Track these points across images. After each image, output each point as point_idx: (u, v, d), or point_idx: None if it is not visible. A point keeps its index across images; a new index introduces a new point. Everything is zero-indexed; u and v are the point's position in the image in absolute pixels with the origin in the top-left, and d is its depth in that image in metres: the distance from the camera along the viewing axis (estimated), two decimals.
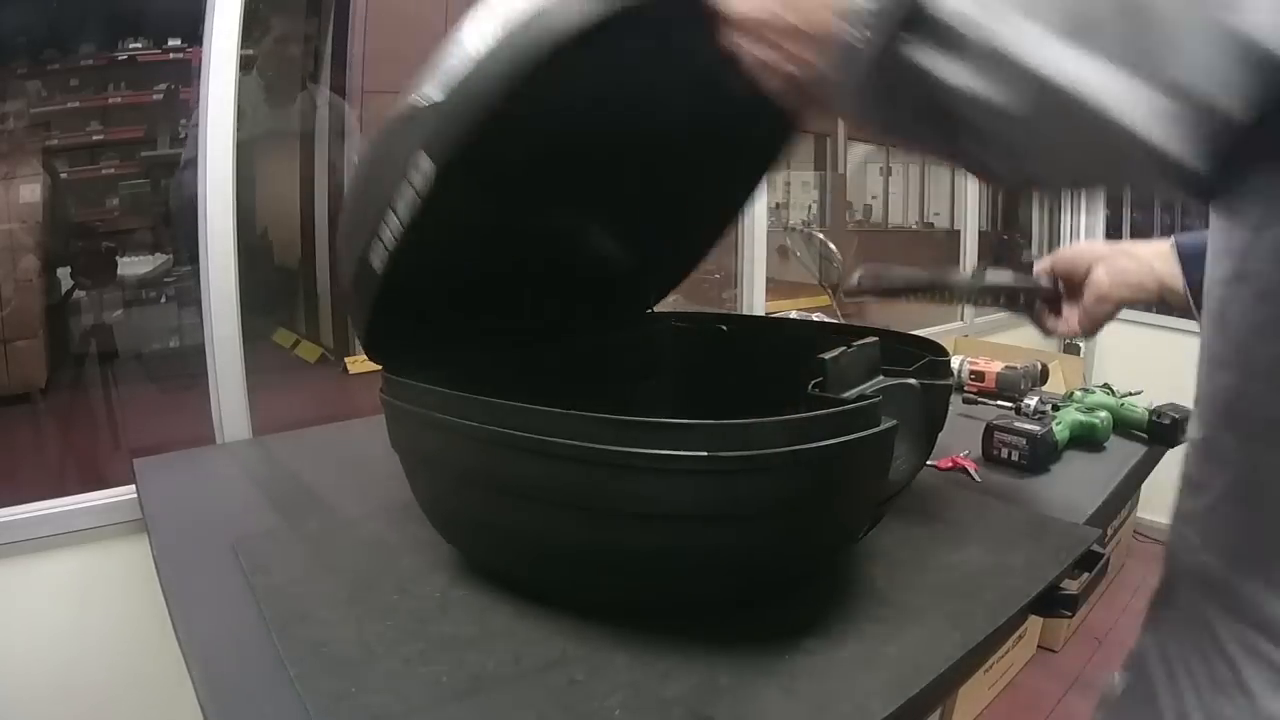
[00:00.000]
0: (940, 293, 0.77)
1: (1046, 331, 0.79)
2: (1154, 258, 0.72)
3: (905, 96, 0.33)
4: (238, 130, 1.01)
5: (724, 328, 0.88)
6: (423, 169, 0.49)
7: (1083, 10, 0.29)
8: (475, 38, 0.47)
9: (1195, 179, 0.28)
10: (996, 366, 1.20)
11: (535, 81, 0.44)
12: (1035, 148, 0.32)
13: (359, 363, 1.65)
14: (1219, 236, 0.40)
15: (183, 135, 1.71)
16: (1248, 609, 0.37)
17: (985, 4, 0.30)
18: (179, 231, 1.63)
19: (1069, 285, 0.76)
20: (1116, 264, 0.73)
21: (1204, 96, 0.26)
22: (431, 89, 0.48)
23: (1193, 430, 0.44)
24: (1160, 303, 0.73)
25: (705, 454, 0.46)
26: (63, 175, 1.72)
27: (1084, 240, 0.80)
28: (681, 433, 0.46)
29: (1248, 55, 0.25)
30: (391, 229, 0.52)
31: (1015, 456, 0.89)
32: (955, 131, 0.33)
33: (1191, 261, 0.66)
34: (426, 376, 0.58)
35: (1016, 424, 0.91)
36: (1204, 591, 0.40)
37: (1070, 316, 0.75)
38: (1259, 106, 0.26)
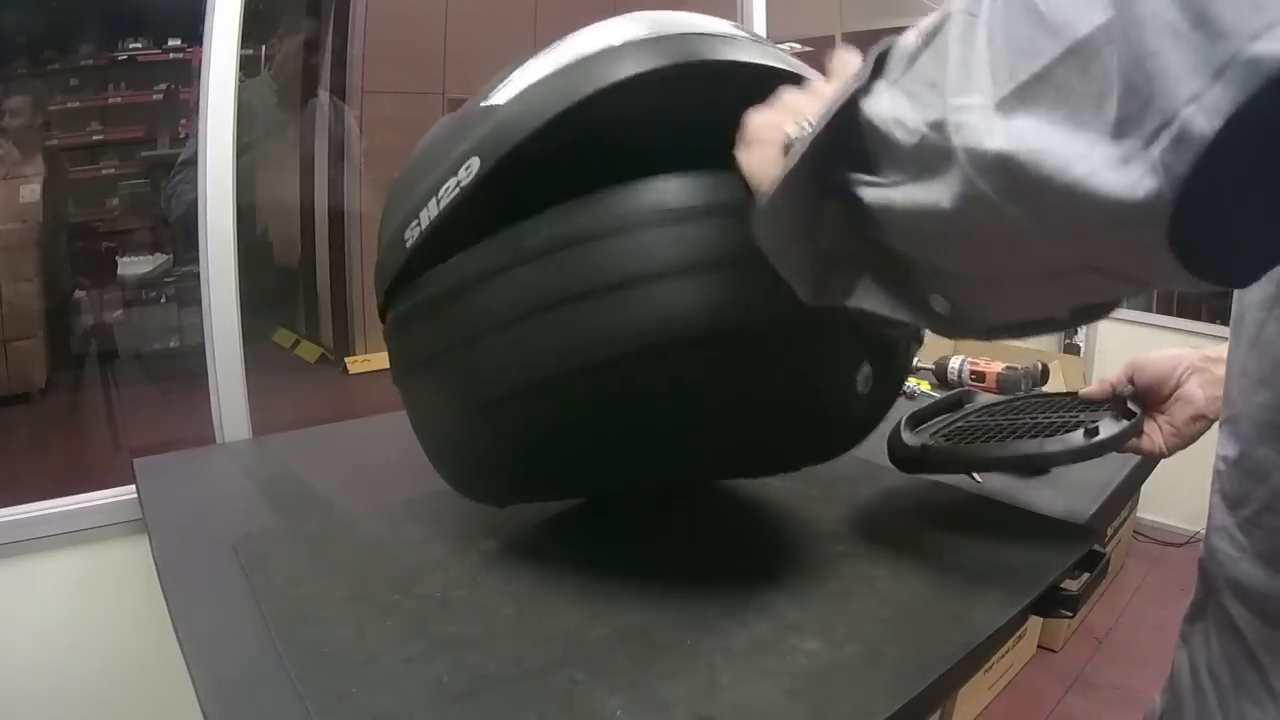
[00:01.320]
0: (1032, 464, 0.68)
1: (1121, 451, 0.68)
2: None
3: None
4: (250, 130, 1.01)
5: None
6: (471, 167, 0.52)
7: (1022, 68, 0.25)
8: (550, 62, 0.52)
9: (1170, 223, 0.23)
10: (997, 367, 1.20)
11: (582, 115, 0.49)
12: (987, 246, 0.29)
13: (359, 363, 1.65)
14: None
15: (183, 135, 1.71)
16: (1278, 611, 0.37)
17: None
18: (179, 231, 1.63)
19: (1153, 398, 0.68)
20: (1212, 375, 0.64)
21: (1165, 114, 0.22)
22: (502, 96, 0.53)
23: (1227, 449, 0.44)
24: None
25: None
26: (61, 175, 1.72)
27: (1165, 349, 0.69)
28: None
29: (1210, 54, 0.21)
30: (430, 212, 0.55)
31: None
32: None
33: None
34: None
35: None
36: (1238, 601, 0.40)
37: (1156, 435, 0.67)
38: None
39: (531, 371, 0.53)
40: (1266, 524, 0.38)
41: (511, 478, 0.63)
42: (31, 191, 1.56)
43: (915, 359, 1.34)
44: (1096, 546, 0.67)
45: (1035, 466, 0.71)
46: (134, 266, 1.74)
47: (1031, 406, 0.80)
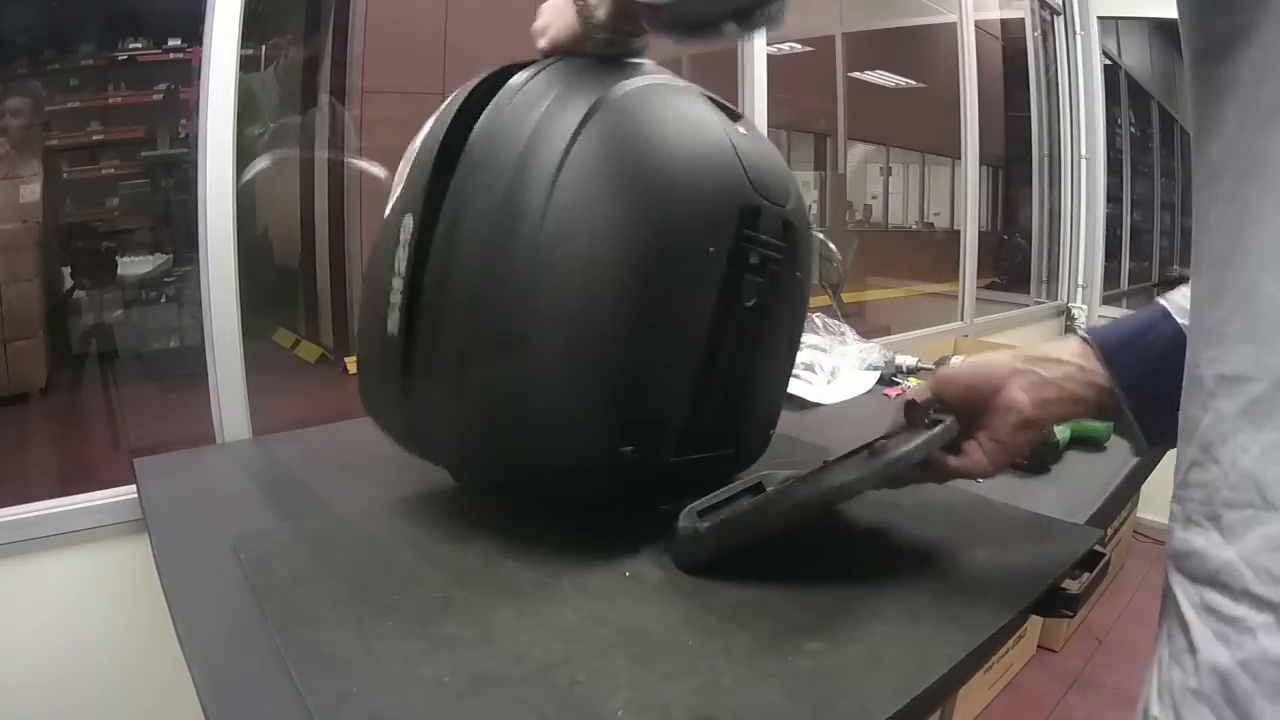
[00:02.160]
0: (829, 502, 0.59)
1: (943, 479, 0.62)
2: (1078, 359, 0.57)
3: None
4: (251, 120, 1.01)
5: None
6: (407, 225, 0.64)
7: None
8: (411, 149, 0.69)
9: None
10: None
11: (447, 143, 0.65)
12: None
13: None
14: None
15: (183, 135, 1.71)
16: (1202, 566, 0.36)
17: None
18: (179, 231, 1.63)
19: (969, 412, 0.60)
20: (1038, 377, 0.57)
21: None
22: (399, 187, 0.68)
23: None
24: (1096, 414, 0.58)
25: None
26: (62, 175, 1.72)
27: (978, 356, 0.63)
28: None
29: None
30: (396, 292, 0.64)
31: None
32: None
33: (1115, 358, 0.56)
34: None
35: None
36: (1177, 569, 0.39)
37: (976, 453, 0.59)
38: None
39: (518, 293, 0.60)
40: (1193, 480, 0.38)
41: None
42: (31, 192, 1.56)
43: (916, 359, 1.34)
44: (1097, 546, 0.67)
45: (826, 508, 0.61)
46: (134, 266, 1.74)
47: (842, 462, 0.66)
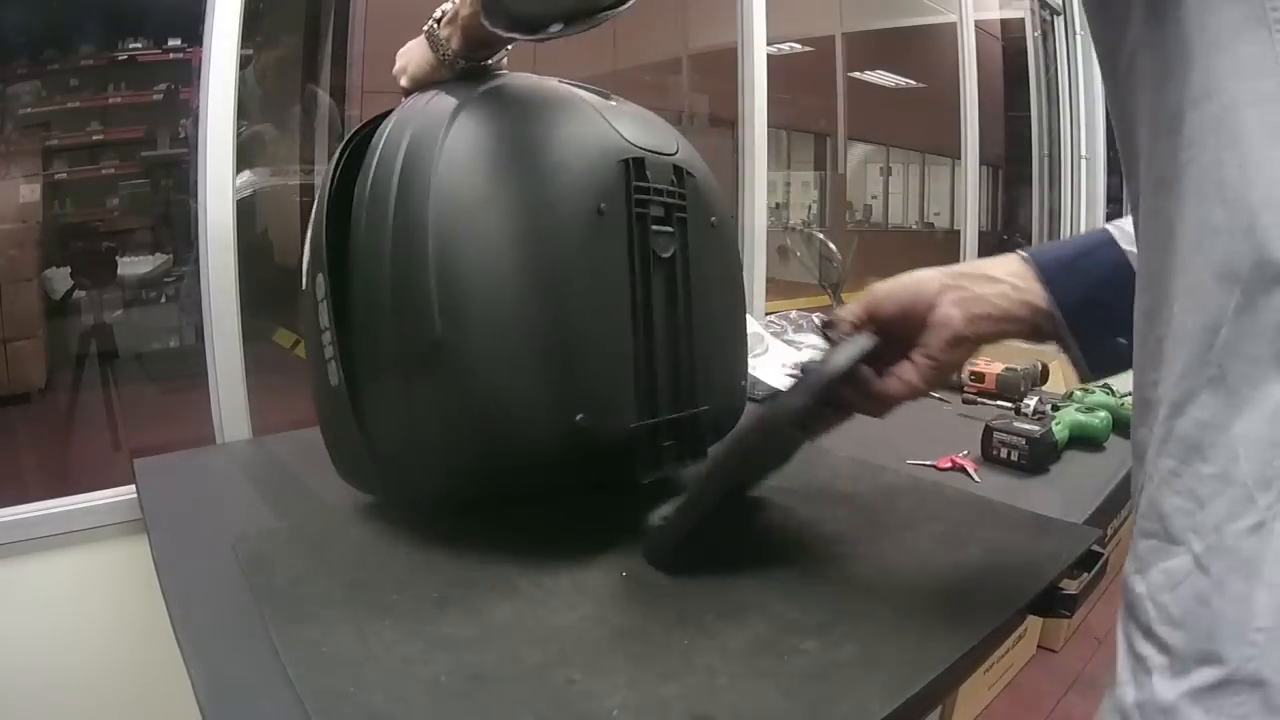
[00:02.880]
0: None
1: (876, 408, 0.58)
2: (1014, 277, 0.55)
3: None
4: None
5: None
6: (319, 284, 0.67)
7: None
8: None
9: None
10: (997, 368, 1.20)
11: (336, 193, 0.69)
12: None
13: None
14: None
15: (183, 135, 1.70)
16: (1139, 609, 0.34)
17: None
18: (179, 231, 1.63)
19: (904, 331, 0.57)
20: (969, 292, 0.55)
21: None
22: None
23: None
24: (1032, 336, 0.55)
25: None
26: (62, 175, 1.72)
27: (906, 274, 0.58)
28: None
29: None
30: (330, 348, 0.67)
31: (1014, 457, 0.89)
32: None
33: (1054, 278, 0.54)
34: None
35: (1015, 424, 0.91)
36: (1124, 608, 0.37)
37: (908, 372, 0.56)
38: None
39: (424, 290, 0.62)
40: (1140, 507, 0.36)
41: None
42: (31, 191, 1.56)
43: None
44: (1096, 546, 0.67)
45: (774, 456, 0.61)
46: (134, 266, 1.74)
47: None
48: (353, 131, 0.71)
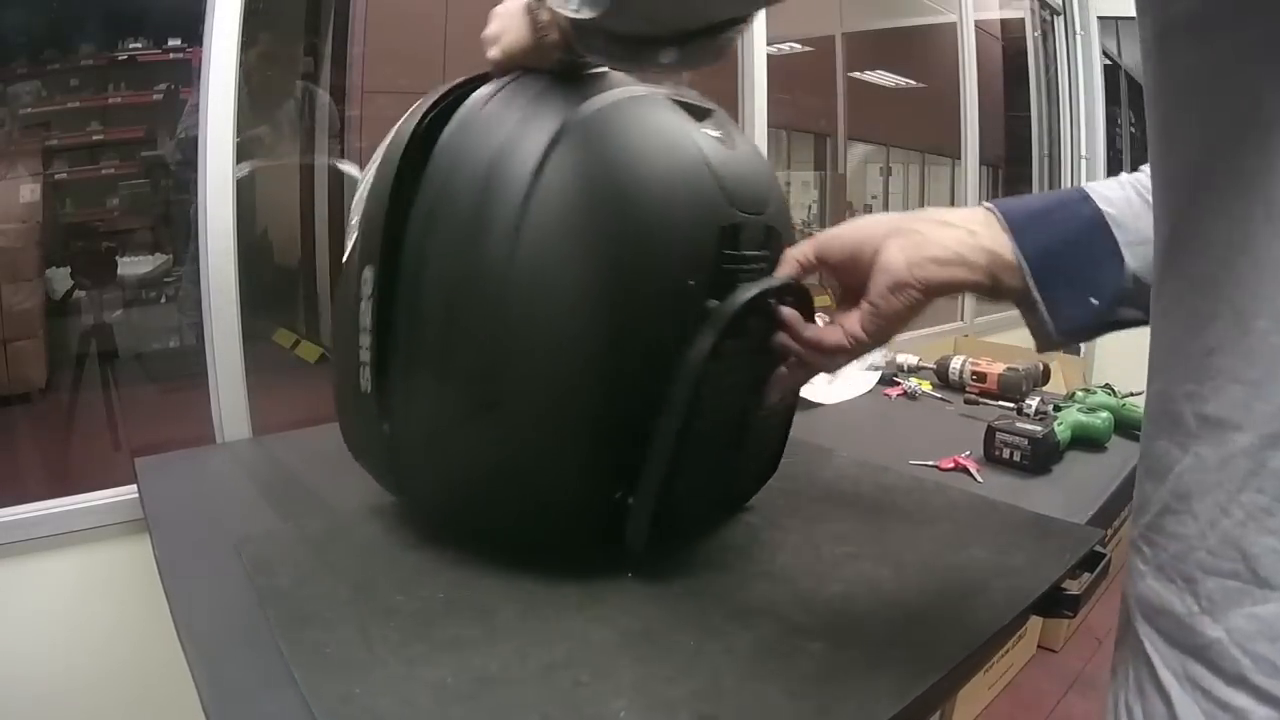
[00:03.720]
0: None
1: (816, 359, 0.55)
2: (973, 223, 0.50)
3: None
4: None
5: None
6: (367, 279, 0.61)
7: None
8: (364, 181, 0.66)
9: None
10: (999, 368, 1.20)
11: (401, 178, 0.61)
12: None
13: None
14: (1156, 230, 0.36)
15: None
16: (1181, 632, 0.33)
17: None
18: (179, 231, 1.63)
19: (853, 278, 0.53)
20: (919, 235, 0.50)
21: None
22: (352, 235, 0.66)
23: (1140, 446, 0.39)
24: (989, 290, 0.50)
25: None
26: (62, 175, 1.72)
27: (862, 218, 0.54)
28: None
29: None
30: (365, 345, 0.62)
31: (1017, 457, 0.90)
32: None
33: (1022, 227, 0.50)
34: None
35: (1018, 425, 0.91)
36: (1146, 619, 0.35)
37: (849, 320, 0.52)
38: None
39: (491, 321, 0.57)
40: (1168, 528, 0.34)
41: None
42: (32, 192, 1.56)
43: (917, 359, 1.34)
44: (1097, 547, 0.67)
45: (714, 406, 0.59)
46: (134, 266, 1.74)
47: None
48: (436, 97, 0.62)
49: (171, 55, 1.78)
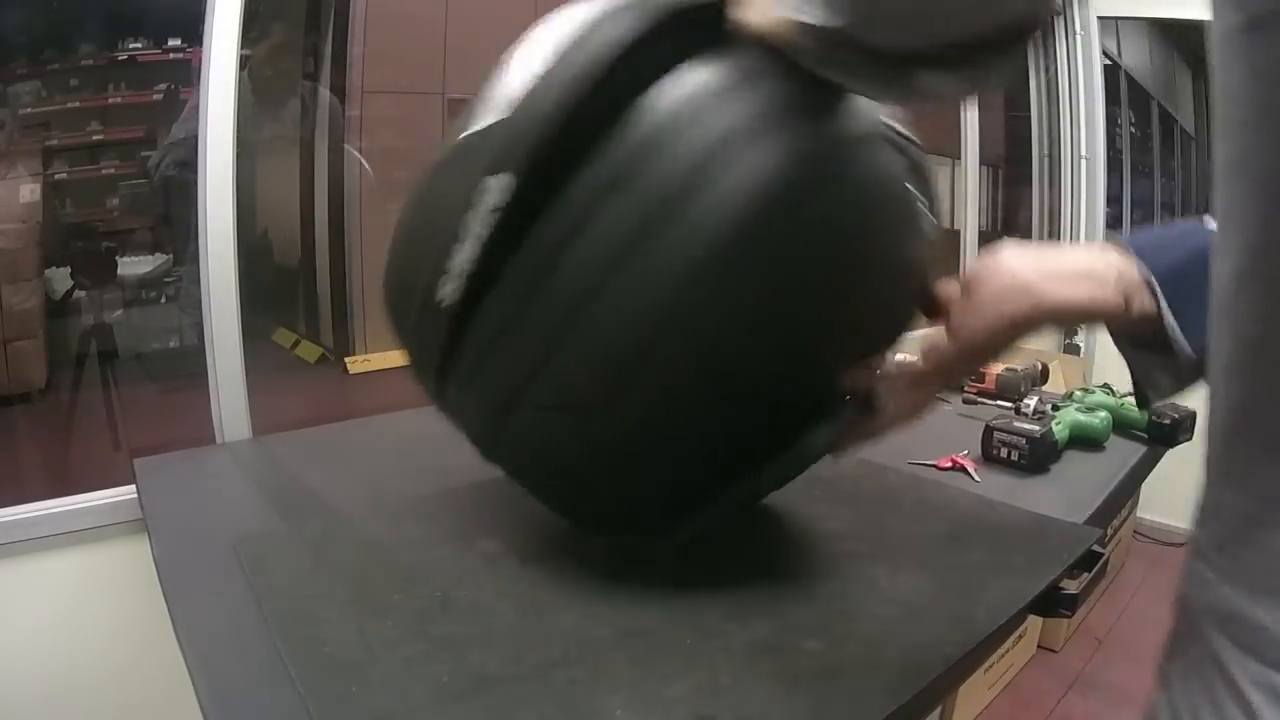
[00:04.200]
0: None
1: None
2: (1096, 249, 0.50)
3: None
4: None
5: None
6: (493, 188, 0.49)
7: None
8: (528, 63, 0.51)
9: None
10: (997, 367, 1.20)
11: (593, 94, 0.48)
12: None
13: (359, 363, 1.65)
14: (1224, 233, 0.34)
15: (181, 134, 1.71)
16: (1268, 645, 0.32)
17: None
18: (178, 231, 1.63)
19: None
20: (1045, 251, 0.50)
21: None
22: (489, 116, 0.51)
23: (1208, 450, 0.38)
24: (1119, 313, 0.48)
25: None
26: (62, 175, 1.72)
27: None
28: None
29: None
30: (465, 257, 0.51)
31: (1015, 457, 0.89)
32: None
33: (1146, 250, 0.49)
34: None
35: (1016, 424, 0.91)
36: (1220, 630, 0.35)
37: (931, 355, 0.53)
38: None
39: (649, 308, 0.49)
40: (1256, 539, 0.33)
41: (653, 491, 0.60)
42: (32, 192, 1.56)
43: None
44: (1096, 546, 0.67)
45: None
46: (134, 266, 1.74)
47: None
48: (658, 21, 0.49)
49: (171, 55, 1.78)
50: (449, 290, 0.53)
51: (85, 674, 0.95)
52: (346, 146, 1.93)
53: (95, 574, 0.96)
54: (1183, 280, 0.48)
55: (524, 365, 0.53)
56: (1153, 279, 0.48)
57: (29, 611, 0.93)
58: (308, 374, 1.88)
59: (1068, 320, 0.51)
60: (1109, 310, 0.48)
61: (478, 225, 0.50)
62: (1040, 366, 1.23)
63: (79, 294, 1.68)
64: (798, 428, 0.57)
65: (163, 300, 1.75)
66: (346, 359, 1.70)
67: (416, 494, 0.77)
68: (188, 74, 1.72)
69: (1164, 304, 0.47)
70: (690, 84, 0.50)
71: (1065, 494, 0.82)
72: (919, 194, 0.57)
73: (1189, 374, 0.49)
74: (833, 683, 0.49)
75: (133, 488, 0.90)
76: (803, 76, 0.47)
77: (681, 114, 0.49)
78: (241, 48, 1.02)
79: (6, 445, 1.50)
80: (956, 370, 0.53)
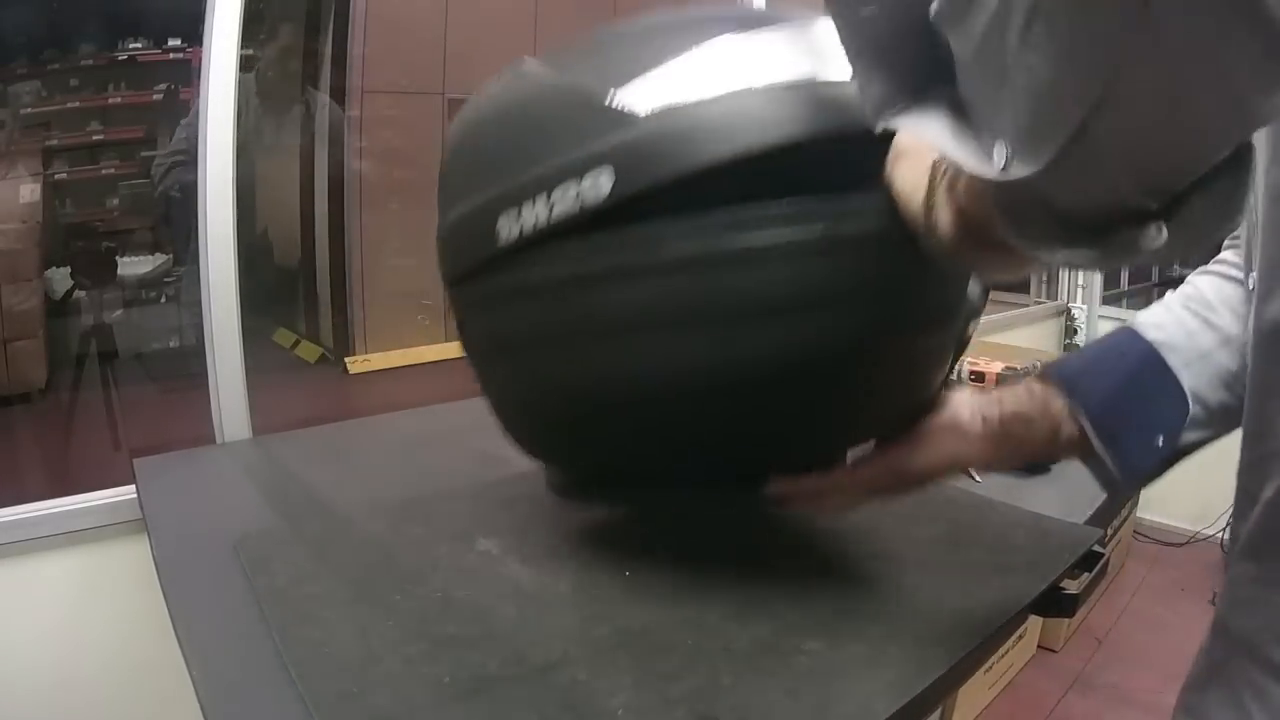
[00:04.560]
0: None
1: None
2: (1031, 385, 0.51)
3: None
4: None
5: None
6: (601, 184, 0.47)
7: None
8: (722, 80, 0.47)
9: None
10: (997, 367, 1.20)
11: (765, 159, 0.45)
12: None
13: (359, 363, 1.65)
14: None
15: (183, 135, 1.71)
16: None
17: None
18: (178, 231, 1.63)
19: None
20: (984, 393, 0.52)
21: None
22: (634, 96, 0.47)
23: (1264, 488, 0.37)
24: (1051, 439, 0.50)
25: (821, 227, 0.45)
26: (62, 175, 1.72)
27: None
28: (796, 211, 0.45)
29: None
30: (537, 213, 0.49)
31: None
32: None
33: (1074, 383, 0.50)
34: None
35: None
36: (1252, 658, 0.35)
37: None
38: None
39: (653, 383, 0.50)
40: None
41: (599, 473, 0.62)
42: (32, 192, 1.56)
43: None
44: (1096, 546, 0.67)
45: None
46: (134, 266, 1.74)
47: None
48: None
49: (171, 55, 1.79)
50: (508, 229, 0.50)
51: (85, 674, 0.95)
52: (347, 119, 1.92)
53: (95, 574, 0.96)
54: (1111, 411, 0.48)
55: (523, 330, 0.54)
56: (1083, 417, 0.48)
57: (29, 611, 0.93)
58: (308, 374, 1.88)
59: (1009, 464, 0.53)
60: (1041, 435, 0.50)
61: (558, 195, 0.48)
62: (1040, 367, 1.23)
63: (79, 294, 1.68)
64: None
65: (163, 300, 1.75)
66: (346, 359, 1.70)
67: (416, 494, 0.77)
68: (188, 74, 1.72)
69: (1095, 442, 0.48)
70: (812, 216, 0.47)
71: (1065, 494, 0.82)
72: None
73: (1129, 490, 0.50)
74: (833, 683, 0.49)
75: (133, 488, 0.90)
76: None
77: (786, 245, 0.47)
78: (244, 48, 1.02)
79: (6, 445, 1.50)
80: (883, 492, 0.56)
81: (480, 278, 0.55)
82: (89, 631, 0.95)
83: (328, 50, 2.07)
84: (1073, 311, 2.58)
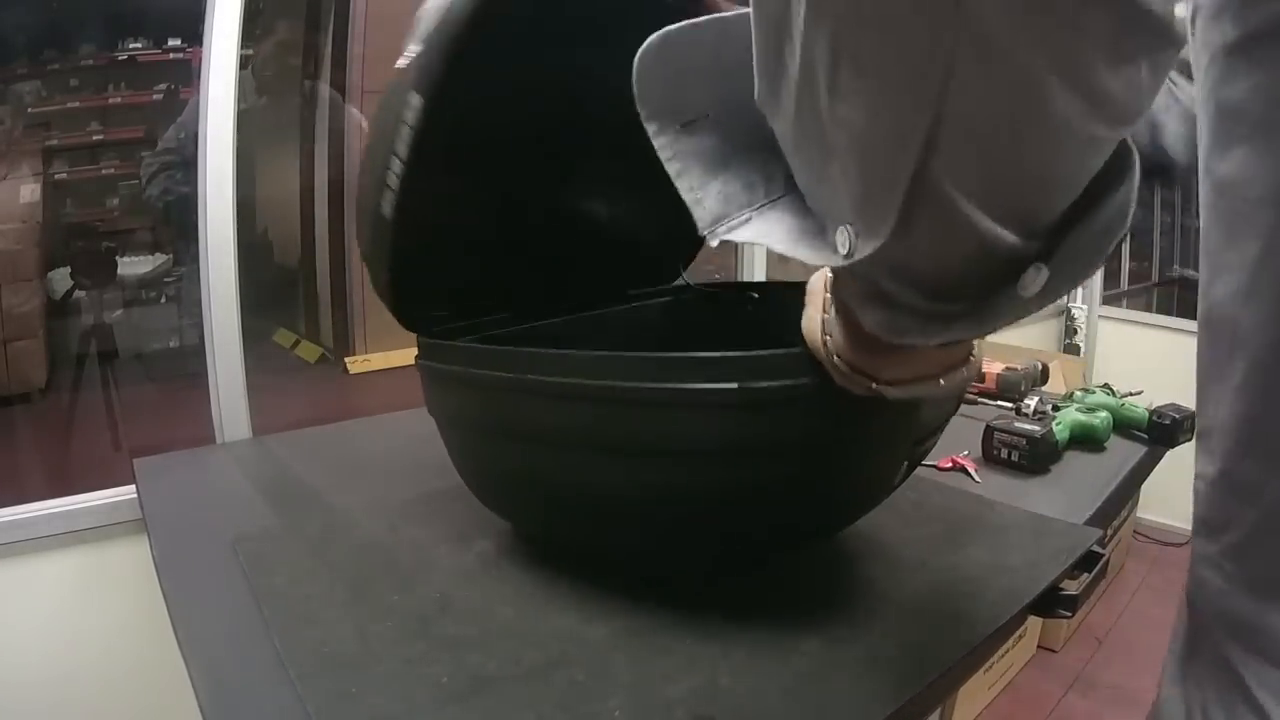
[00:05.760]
0: None
1: None
2: None
3: None
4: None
5: (755, 295, 0.83)
6: (413, 105, 0.55)
7: None
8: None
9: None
10: (997, 367, 1.20)
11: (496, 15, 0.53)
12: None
13: (359, 363, 1.65)
14: (1222, 249, 0.35)
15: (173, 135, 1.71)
16: (1278, 648, 0.33)
17: None
18: (179, 231, 1.63)
19: None
20: None
21: None
22: (413, 46, 0.58)
23: (1204, 466, 0.38)
24: None
25: (736, 386, 0.46)
26: (62, 175, 1.72)
27: None
28: (714, 367, 0.47)
29: None
30: (395, 171, 0.56)
31: (1015, 457, 0.89)
32: None
33: None
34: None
35: (1016, 424, 0.91)
36: (1231, 635, 0.35)
37: None
38: None
39: (572, 494, 0.56)
40: (1263, 549, 0.34)
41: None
42: (32, 192, 1.56)
43: None
44: (1096, 546, 0.67)
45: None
46: (134, 266, 1.74)
47: None
48: None
49: (171, 55, 1.79)
50: (388, 205, 0.58)
51: (85, 674, 0.95)
52: (348, 107, 1.92)
53: (95, 574, 0.96)
54: None
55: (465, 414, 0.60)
56: None
57: (29, 611, 0.93)
58: (308, 374, 1.88)
59: None
60: None
61: (401, 145, 0.56)
62: (1040, 366, 1.23)
63: (79, 294, 1.68)
64: None
65: (163, 300, 1.75)
66: (346, 359, 1.70)
67: (416, 494, 0.77)
68: (188, 74, 1.72)
69: None
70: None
71: (1065, 494, 0.82)
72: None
73: None
74: (832, 683, 0.49)
75: (133, 488, 0.90)
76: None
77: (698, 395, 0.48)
78: (243, 47, 1.02)
79: (6, 445, 1.50)
80: None
81: (419, 318, 0.65)
82: (89, 631, 0.95)
83: (328, 50, 2.07)
84: (1072, 311, 2.58)
